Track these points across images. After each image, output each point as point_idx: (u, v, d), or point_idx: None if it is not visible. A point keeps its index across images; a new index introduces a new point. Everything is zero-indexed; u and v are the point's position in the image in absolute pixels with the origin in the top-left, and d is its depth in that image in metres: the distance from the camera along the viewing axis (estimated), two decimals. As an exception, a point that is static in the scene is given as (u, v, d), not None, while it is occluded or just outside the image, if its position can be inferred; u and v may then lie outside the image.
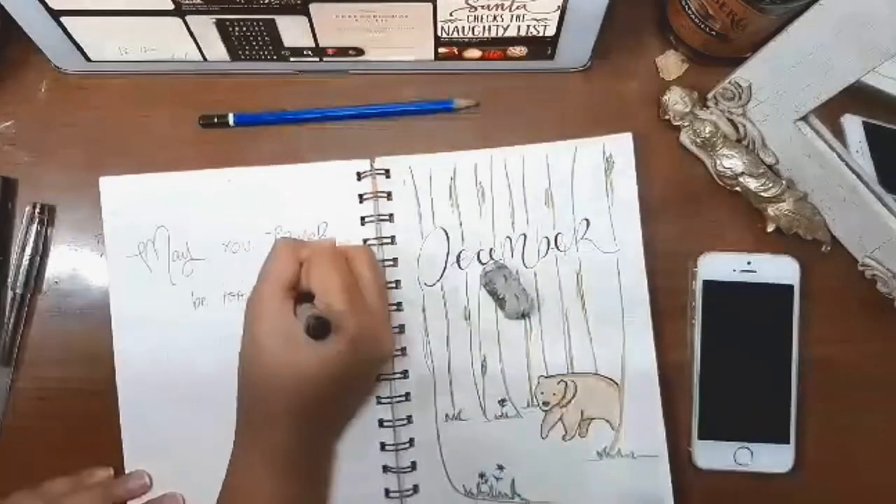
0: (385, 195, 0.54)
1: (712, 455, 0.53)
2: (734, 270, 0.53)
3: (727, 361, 0.53)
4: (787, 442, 0.52)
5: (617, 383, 0.53)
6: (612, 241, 0.53)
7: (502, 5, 0.48)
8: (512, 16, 0.49)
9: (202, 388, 0.52)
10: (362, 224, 0.54)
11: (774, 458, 0.53)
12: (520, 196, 0.54)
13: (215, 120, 0.55)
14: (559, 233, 0.54)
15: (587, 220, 0.54)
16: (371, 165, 0.54)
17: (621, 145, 0.54)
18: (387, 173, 0.54)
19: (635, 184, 0.53)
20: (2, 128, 0.56)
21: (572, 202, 0.54)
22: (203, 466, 0.49)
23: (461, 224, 0.54)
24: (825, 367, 0.53)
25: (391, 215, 0.54)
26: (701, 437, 0.53)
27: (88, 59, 0.54)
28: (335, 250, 0.51)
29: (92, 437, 0.53)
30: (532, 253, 0.53)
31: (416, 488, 0.52)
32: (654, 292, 0.53)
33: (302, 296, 0.49)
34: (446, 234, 0.54)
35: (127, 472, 0.52)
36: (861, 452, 0.53)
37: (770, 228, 0.54)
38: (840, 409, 0.53)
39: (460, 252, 0.54)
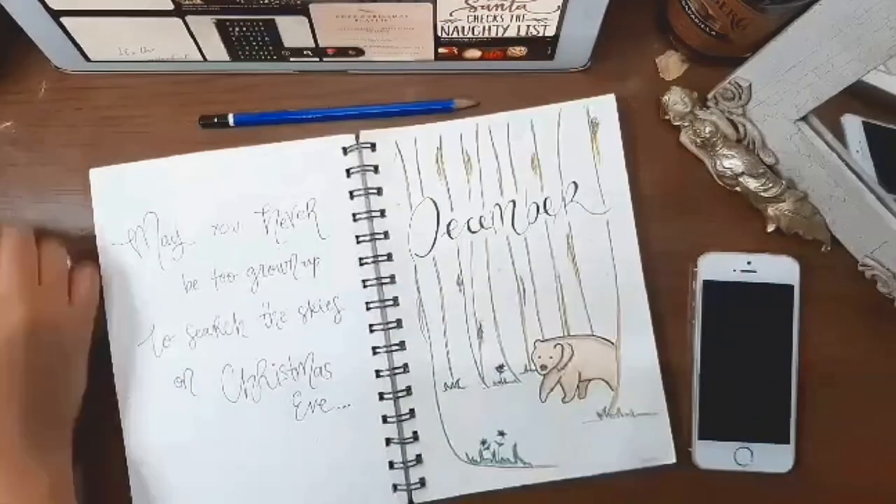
0: (372, 168, 0.54)
1: (712, 455, 0.53)
2: (734, 270, 0.53)
3: (727, 361, 0.53)
4: (787, 442, 0.52)
5: (613, 343, 0.53)
6: (600, 202, 0.53)
7: (502, 5, 0.48)
8: (512, 16, 0.49)
9: (198, 370, 0.53)
10: (351, 198, 0.54)
11: (774, 458, 0.53)
12: (507, 162, 0.54)
13: (215, 120, 0.55)
14: (547, 197, 0.54)
15: (575, 182, 0.54)
16: (356, 140, 0.54)
17: (605, 107, 0.54)
18: (372, 147, 0.54)
19: (621, 145, 0.54)
20: (2, 128, 0.56)
21: (559, 166, 0.54)
22: (200, 441, 0.51)
23: (449, 193, 0.54)
24: (825, 367, 0.53)
25: (379, 188, 0.54)
26: (701, 437, 0.53)
27: (88, 59, 0.54)
28: None
29: (90, 424, 0.53)
30: (522, 218, 0.54)
31: (418, 458, 0.52)
32: (655, 292, 0.53)
33: None
34: (435, 204, 0.54)
35: (129, 460, 0.52)
36: (861, 452, 0.53)
37: (770, 228, 0.54)
38: (840, 409, 0.53)
39: (450, 221, 0.54)
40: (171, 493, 0.52)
